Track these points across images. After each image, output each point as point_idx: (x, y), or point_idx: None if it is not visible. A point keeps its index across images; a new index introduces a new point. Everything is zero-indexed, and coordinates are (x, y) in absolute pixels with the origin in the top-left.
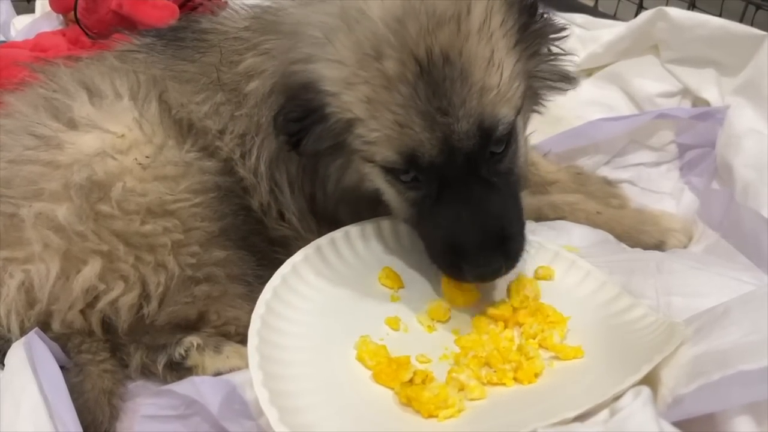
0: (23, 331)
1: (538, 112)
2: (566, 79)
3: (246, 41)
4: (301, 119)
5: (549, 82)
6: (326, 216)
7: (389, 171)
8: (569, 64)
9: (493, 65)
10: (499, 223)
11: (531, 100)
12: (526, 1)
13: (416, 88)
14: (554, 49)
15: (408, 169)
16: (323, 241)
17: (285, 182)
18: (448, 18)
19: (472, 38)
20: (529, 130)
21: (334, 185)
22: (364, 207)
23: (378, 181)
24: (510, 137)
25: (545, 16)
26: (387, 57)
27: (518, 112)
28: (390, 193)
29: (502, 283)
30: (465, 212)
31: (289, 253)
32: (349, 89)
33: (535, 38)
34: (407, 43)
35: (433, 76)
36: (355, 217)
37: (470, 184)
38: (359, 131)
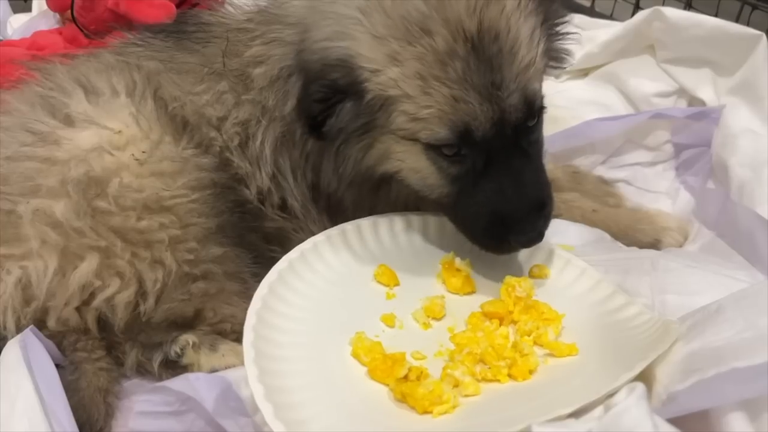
0: (19, 329)
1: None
2: (567, 55)
3: (250, 32)
4: (327, 99)
5: (552, 60)
6: (329, 204)
7: (433, 148)
8: (573, 43)
9: (533, 41)
10: (539, 190)
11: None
12: None
13: (469, 63)
14: (563, 29)
15: (459, 144)
16: (320, 238)
17: (288, 168)
18: None
19: (515, 15)
20: None
21: (352, 167)
22: (368, 192)
23: (418, 160)
24: (541, 110)
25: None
26: (436, 33)
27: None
28: (429, 171)
29: (497, 277)
30: (509, 183)
31: (285, 250)
32: (394, 65)
33: (553, 17)
34: (455, 19)
35: (485, 52)
36: (358, 203)
37: (512, 156)
38: (405, 108)
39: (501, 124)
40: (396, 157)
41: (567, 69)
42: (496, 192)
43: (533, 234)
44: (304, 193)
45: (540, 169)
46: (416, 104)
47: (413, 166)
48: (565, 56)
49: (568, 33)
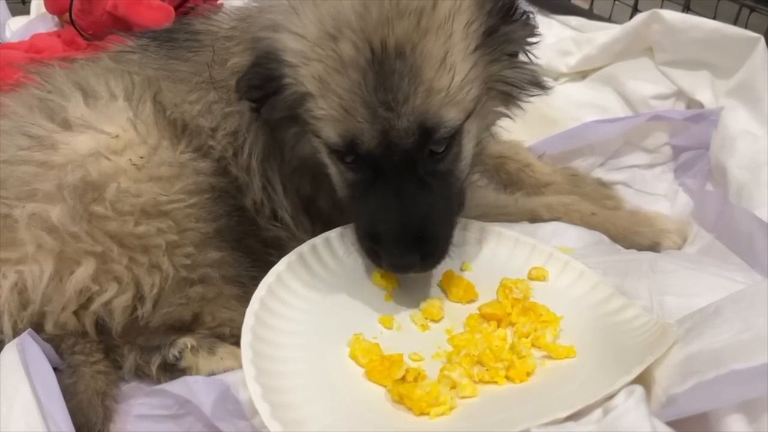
0: (16, 333)
1: (510, 117)
2: (535, 85)
3: (234, 39)
4: (261, 87)
5: (512, 88)
6: (320, 213)
7: (331, 149)
8: (537, 70)
9: (445, 67)
10: (421, 222)
11: (503, 102)
12: (498, 3)
13: (365, 76)
14: (522, 57)
15: (348, 152)
16: (318, 240)
17: (277, 179)
18: (410, 10)
19: (430, 36)
20: (525, 132)
21: (290, 153)
22: (322, 179)
23: (323, 155)
24: (453, 140)
25: (526, 15)
26: (345, 39)
27: (468, 116)
28: (332, 170)
29: (495, 279)
30: (392, 204)
31: (283, 255)
32: (306, 63)
33: (501, 43)
34: (367, 28)
35: (384, 68)
36: (316, 189)
37: (404, 179)
38: (309, 106)
39: (387, 144)
40: (315, 150)
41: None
42: (378, 208)
43: (400, 262)
44: (295, 204)
45: (442, 201)
46: (315, 105)
47: (324, 161)
48: (525, 86)
49: (525, 63)
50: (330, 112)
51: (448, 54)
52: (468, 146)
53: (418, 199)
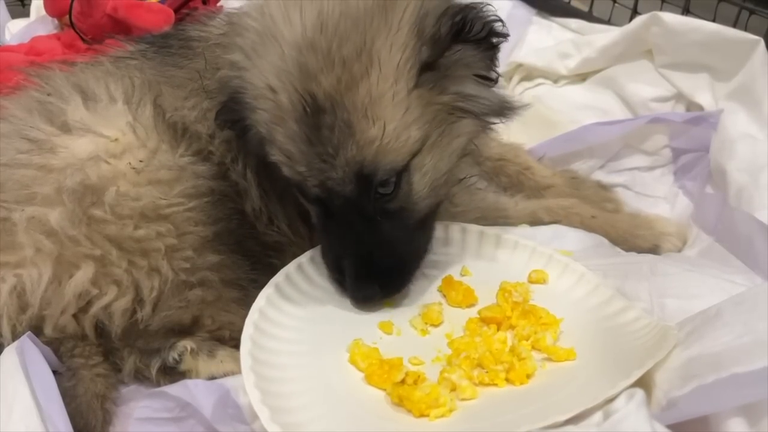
0: (15, 336)
1: (485, 135)
2: (497, 114)
3: (224, 48)
4: (234, 123)
5: (473, 118)
6: None
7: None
8: (497, 95)
9: (373, 120)
10: (373, 257)
11: (474, 121)
12: (437, 33)
13: (300, 128)
14: (474, 87)
15: (300, 188)
16: (316, 251)
17: (272, 188)
18: (336, 62)
19: (354, 89)
20: (524, 134)
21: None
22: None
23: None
24: (400, 179)
25: (486, 30)
26: (283, 91)
27: (414, 155)
28: (302, 200)
29: (494, 282)
30: (346, 240)
31: (283, 257)
32: (259, 107)
33: (446, 74)
34: (300, 80)
35: (316, 121)
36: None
37: (352, 220)
38: (267, 146)
39: (328, 192)
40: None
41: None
42: (334, 241)
43: (358, 294)
44: (291, 213)
45: (395, 237)
46: (268, 146)
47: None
48: (485, 116)
49: (473, 95)
50: (278, 157)
51: (376, 105)
52: (421, 182)
53: (368, 237)
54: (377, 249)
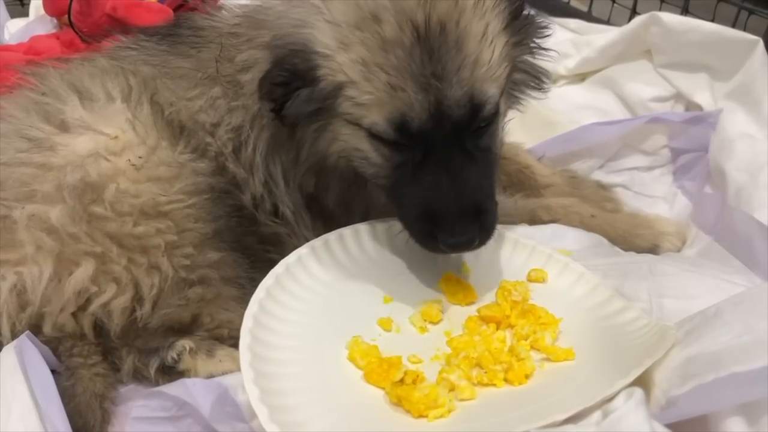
0: (14, 334)
1: (518, 110)
2: (544, 76)
3: (241, 36)
4: (287, 83)
5: (528, 76)
6: (322, 209)
7: (374, 134)
8: (549, 61)
9: (486, 40)
10: (476, 195)
11: (509, 97)
12: None
13: (412, 52)
14: (537, 44)
15: (395, 134)
16: (317, 242)
17: (279, 174)
18: None
19: (468, 12)
20: (524, 134)
21: (308, 149)
22: (332, 179)
23: (362, 143)
24: (494, 115)
25: (531, 14)
26: (385, 21)
27: (502, 94)
28: (373, 156)
29: (494, 281)
30: (445, 180)
31: (282, 253)
32: (343, 50)
33: (522, 26)
34: (405, 9)
35: (430, 43)
36: (324, 187)
37: (453, 154)
38: (350, 93)
39: (439, 116)
40: (345, 140)
41: (546, 88)
42: (430, 186)
43: (461, 238)
44: (297, 199)
45: (486, 176)
46: (359, 90)
47: (358, 149)
48: (540, 75)
49: (542, 48)
50: (377, 94)
51: (488, 28)
52: (500, 125)
53: (470, 172)
54: (476, 187)
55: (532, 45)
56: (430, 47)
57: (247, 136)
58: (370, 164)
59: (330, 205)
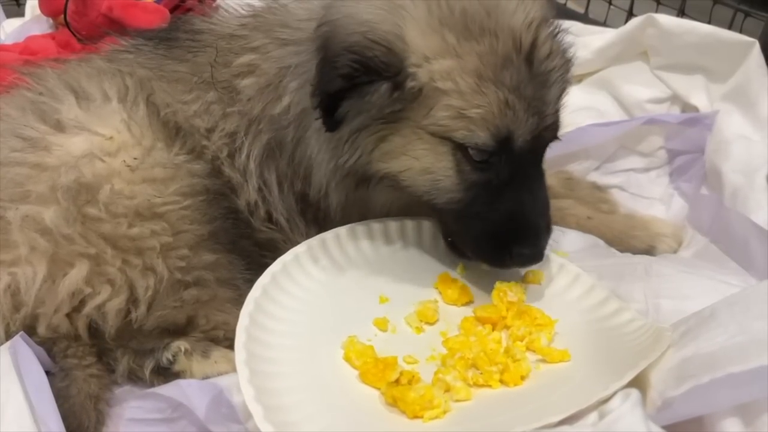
0: (8, 335)
1: None
2: None
3: (243, 39)
4: (353, 77)
5: None
6: (316, 215)
7: (462, 149)
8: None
9: (568, 69)
10: (549, 210)
11: None
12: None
13: (522, 73)
14: None
15: (494, 151)
16: (314, 241)
17: (274, 181)
18: (541, 19)
19: (557, 42)
20: None
21: (356, 158)
22: (355, 194)
23: (434, 159)
24: None
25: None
26: (498, 37)
27: None
28: (447, 174)
29: (490, 282)
30: (530, 197)
31: (278, 257)
32: (451, 57)
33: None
34: (513, 28)
35: (538, 67)
36: (345, 208)
37: (534, 172)
38: (451, 102)
39: (538, 139)
40: (412, 154)
41: None
42: (515, 204)
43: (536, 249)
44: (291, 206)
45: (547, 190)
46: (466, 101)
47: (428, 166)
48: None
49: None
50: (488, 108)
51: (564, 60)
52: None
53: (543, 190)
54: (546, 203)
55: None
56: (539, 72)
57: (241, 143)
58: (441, 184)
59: (333, 208)
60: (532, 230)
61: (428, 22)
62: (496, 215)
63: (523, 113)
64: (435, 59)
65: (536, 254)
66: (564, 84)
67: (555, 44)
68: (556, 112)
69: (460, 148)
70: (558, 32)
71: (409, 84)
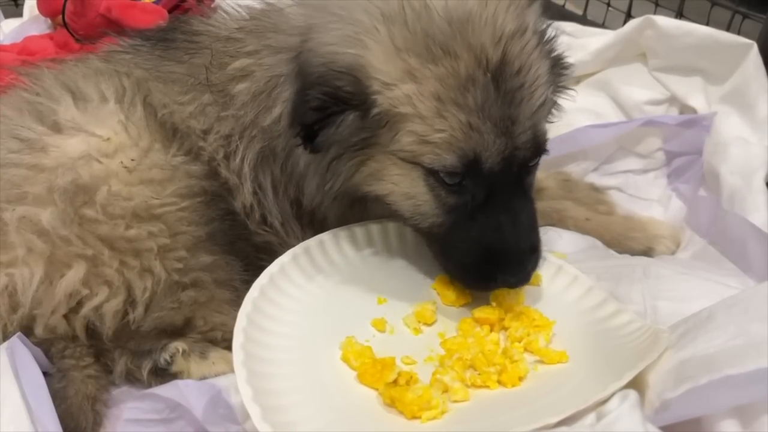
0: (6, 336)
1: None
2: (558, 110)
3: (239, 42)
4: (325, 108)
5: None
6: (312, 220)
7: (434, 174)
8: (567, 99)
9: (547, 82)
10: (533, 232)
11: None
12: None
13: (488, 93)
14: (564, 85)
15: (463, 174)
16: (312, 242)
17: (269, 185)
18: (513, 31)
19: (535, 53)
20: None
21: (341, 183)
22: (352, 209)
23: (415, 186)
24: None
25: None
26: (460, 57)
27: None
28: (424, 199)
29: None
30: (508, 221)
31: (275, 259)
32: (411, 82)
33: (560, 68)
34: (479, 46)
35: (506, 84)
36: (343, 220)
37: (513, 194)
38: (414, 128)
39: (510, 159)
40: (389, 179)
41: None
42: (493, 228)
43: (522, 275)
44: (286, 210)
45: (534, 211)
46: (428, 126)
47: (407, 191)
48: (555, 109)
49: (566, 87)
50: (450, 132)
51: (546, 70)
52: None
53: (528, 211)
54: (531, 226)
55: (560, 85)
56: (507, 89)
57: (235, 147)
58: (421, 209)
59: (330, 219)
60: (515, 256)
61: (390, 48)
62: (477, 241)
63: (489, 134)
64: (395, 85)
65: (521, 280)
66: (541, 98)
67: (529, 58)
68: (531, 128)
69: (431, 173)
70: (548, 39)
71: (374, 111)
